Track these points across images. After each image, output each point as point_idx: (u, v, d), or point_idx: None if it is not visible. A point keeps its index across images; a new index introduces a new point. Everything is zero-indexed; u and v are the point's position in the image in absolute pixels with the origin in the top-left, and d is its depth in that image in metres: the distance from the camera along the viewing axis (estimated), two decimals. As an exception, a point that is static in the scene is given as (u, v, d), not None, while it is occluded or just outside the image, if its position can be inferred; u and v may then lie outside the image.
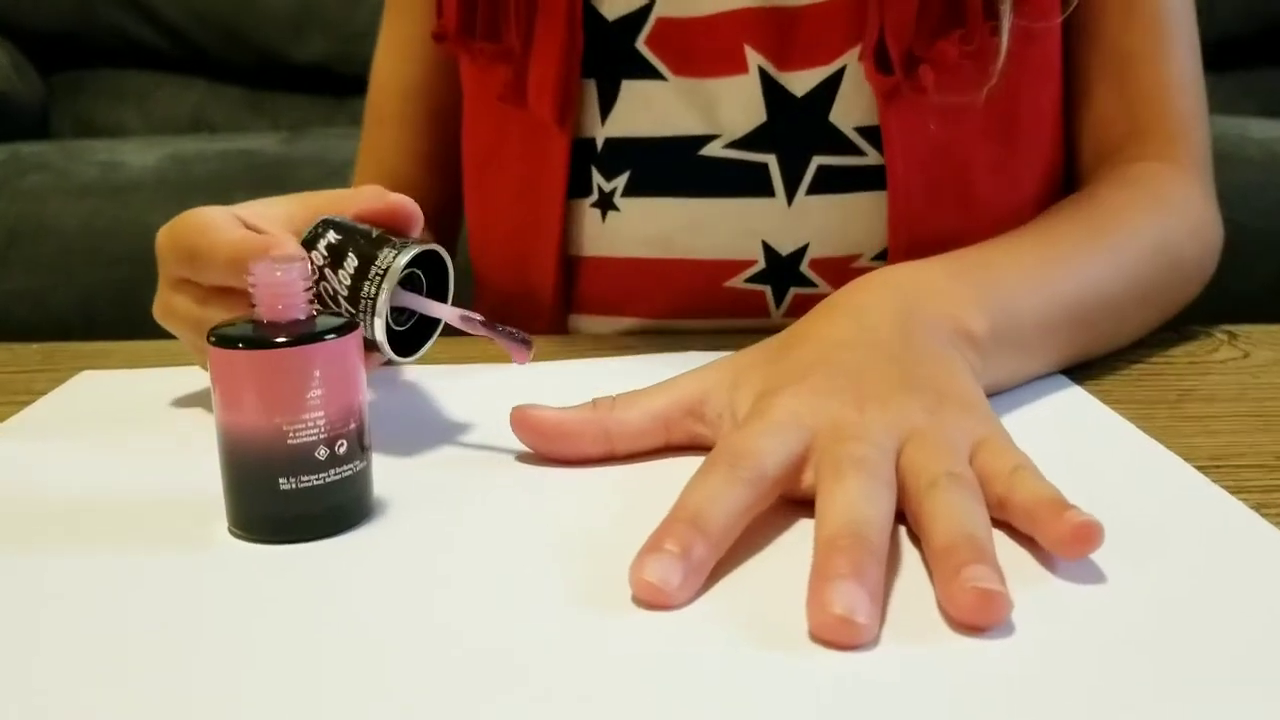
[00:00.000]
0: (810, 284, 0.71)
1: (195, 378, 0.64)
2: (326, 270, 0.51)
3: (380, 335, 0.50)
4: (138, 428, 0.57)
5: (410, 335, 0.54)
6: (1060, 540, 0.40)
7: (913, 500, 0.42)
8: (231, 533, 0.45)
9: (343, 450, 0.44)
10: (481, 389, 0.60)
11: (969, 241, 0.64)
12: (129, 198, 1.43)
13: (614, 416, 0.51)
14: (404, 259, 0.50)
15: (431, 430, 0.55)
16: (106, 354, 0.72)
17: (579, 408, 0.52)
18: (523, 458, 0.52)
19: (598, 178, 0.71)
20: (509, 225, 0.76)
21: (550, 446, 0.51)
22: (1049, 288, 0.59)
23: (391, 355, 0.52)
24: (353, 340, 0.44)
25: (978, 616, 0.36)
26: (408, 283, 0.52)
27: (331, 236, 0.52)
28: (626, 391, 0.52)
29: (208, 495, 0.46)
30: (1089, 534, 0.40)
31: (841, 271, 0.70)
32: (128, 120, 1.89)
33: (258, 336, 0.43)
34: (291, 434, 0.43)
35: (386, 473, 0.48)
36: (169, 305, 0.56)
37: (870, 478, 0.42)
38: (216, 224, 0.53)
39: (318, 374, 0.43)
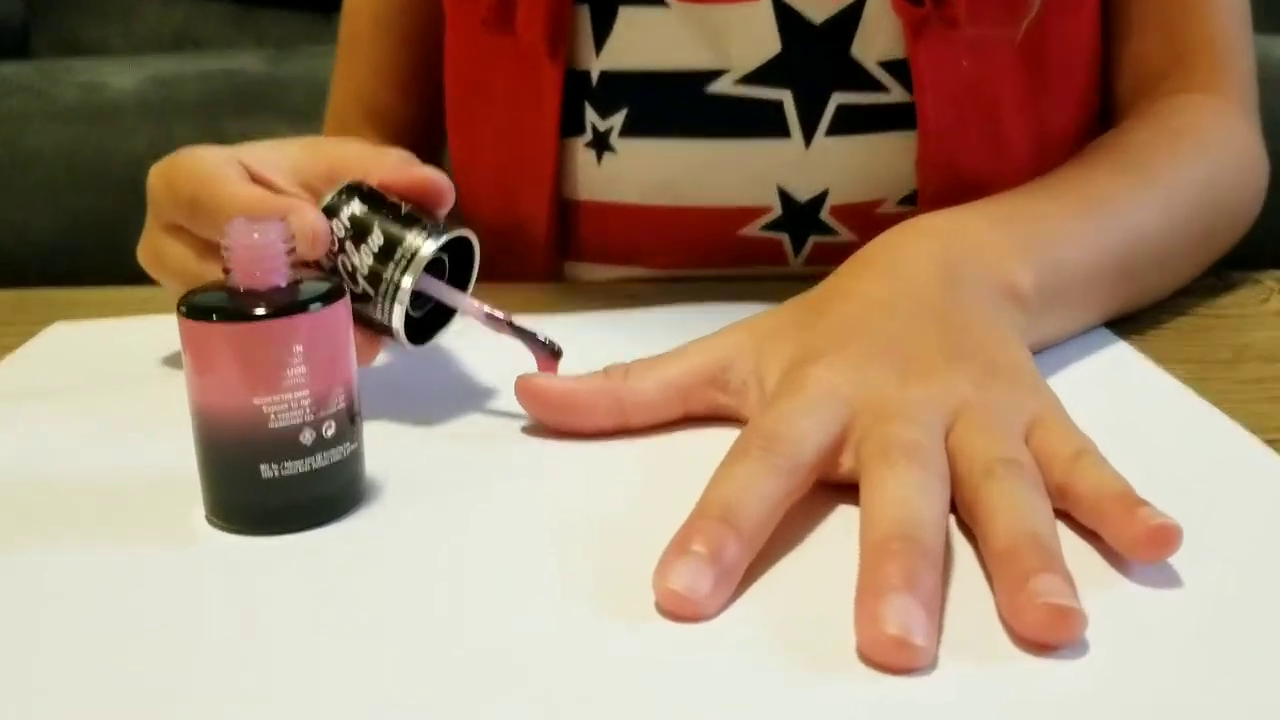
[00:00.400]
0: (831, 231, 0.66)
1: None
2: (347, 244, 0.47)
3: (398, 323, 0.47)
4: (111, 391, 0.53)
5: (423, 322, 0.50)
6: (1133, 542, 0.36)
7: (966, 489, 0.38)
8: (209, 522, 0.41)
9: (330, 433, 0.40)
10: (479, 352, 0.56)
11: (999, 184, 0.60)
12: (111, 122, 1.38)
13: (628, 386, 0.47)
14: (435, 245, 0.46)
15: (426, 400, 0.51)
16: (82, 303, 0.67)
17: (590, 376, 0.47)
18: (529, 430, 0.48)
19: (591, 115, 0.66)
20: (496, 162, 0.70)
21: (559, 418, 0.47)
22: (1094, 238, 0.55)
23: (406, 344, 0.48)
24: (340, 309, 0.40)
25: (1048, 635, 0.32)
26: (430, 267, 0.47)
27: (356, 207, 0.47)
28: (641, 358, 0.48)
29: (185, 475, 0.42)
30: (1166, 537, 0.36)
31: (865, 218, 0.66)
32: (111, 38, 1.83)
33: (233, 306, 0.39)
34: (273, 416, 0.38)
35: (378, 450, 0.44)
36: (159, 252, 0.52)
37: (921, 468, 0.37)
38: (222, 174, 0.48)
39: (301, 349, 0.38)
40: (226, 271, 0.39)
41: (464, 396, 0.51)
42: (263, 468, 0.39)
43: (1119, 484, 0.38)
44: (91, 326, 0.63)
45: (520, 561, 0.38)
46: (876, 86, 0.63)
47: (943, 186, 0.64)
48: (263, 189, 0.48)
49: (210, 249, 0.50)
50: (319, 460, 0.39)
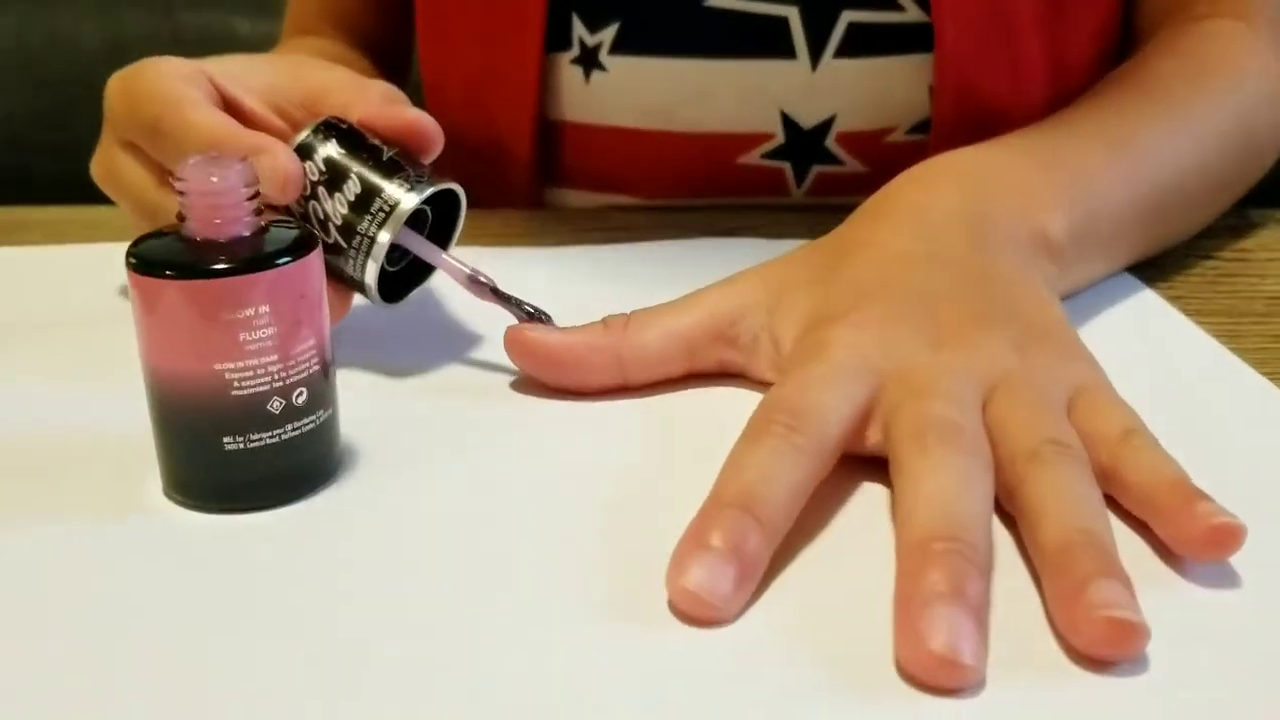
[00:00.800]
0: (837, 161, 0.62)
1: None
2: (320, 189, 0.42)
3: (371, 280, 0.42)
4: (55, 335, 0.48)
5: (399, 277, 0.45)
6: (1190, 541, 0.33)
7: (1009, 473, 0.35)
8: (167, 495, 0.37)
9: (302, 400, 0.35)
10: (462, 298, 0.51)
11: (1016, 113, 0.56)
12: (56, 9, 1.30)
13: (629, 340, 0.43)
14: (417, 199, 0.42)
15: (405, 353, 0.47)
16: (26, 224, 0.62)
17: (587, 328, 0.43)
18: (519, 385, 0.44)
19: (579, 28, 0.61)
20: (471, 76, 0.65)
21: (554, 375, 0.43)
22: (1125, 179, 0.51)
23: (378, 301, 0.43)
24: (313, 261, 0.35)
25: (1108, 651, 0.29)
26: (411, 219, 0.43)
27: (333, 149, 0.43)
28: (641, 309, 0.44)
29: (140, 439, 0.37)
30: (1227, 537, 0.32)
31: (873, 147, 0.61)
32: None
33: (190, 260, 0.34)
34: (237, 383, 0.34)
35: (352, 411, 0.40)
36: (114, 170, 0.47)
37: (963, 453, 0.34)
38: (187, 98, 0.44)
39: (267, 309, 0.34)
40: (181, 219, 0.35)
41: (446, 348, 0.47)
42: (226, 440, 0.35)
43: (1172, 471, 0.34)
44: (33, 255, 0.58)
45: (512, 547, 0.34)
46: (891, 4, 0.59)
47: (958, 115, 0.59)
48: (228, 120, 0.44)
49: (171, 176, 0.45)
50: (289, 431, 0.35)
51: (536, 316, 0.44)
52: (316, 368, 0.36)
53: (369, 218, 0.42)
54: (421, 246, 0.44)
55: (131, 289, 0.35)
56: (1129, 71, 0.59)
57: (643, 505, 0.36)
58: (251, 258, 0.34)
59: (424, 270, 0.46)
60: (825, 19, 0.59)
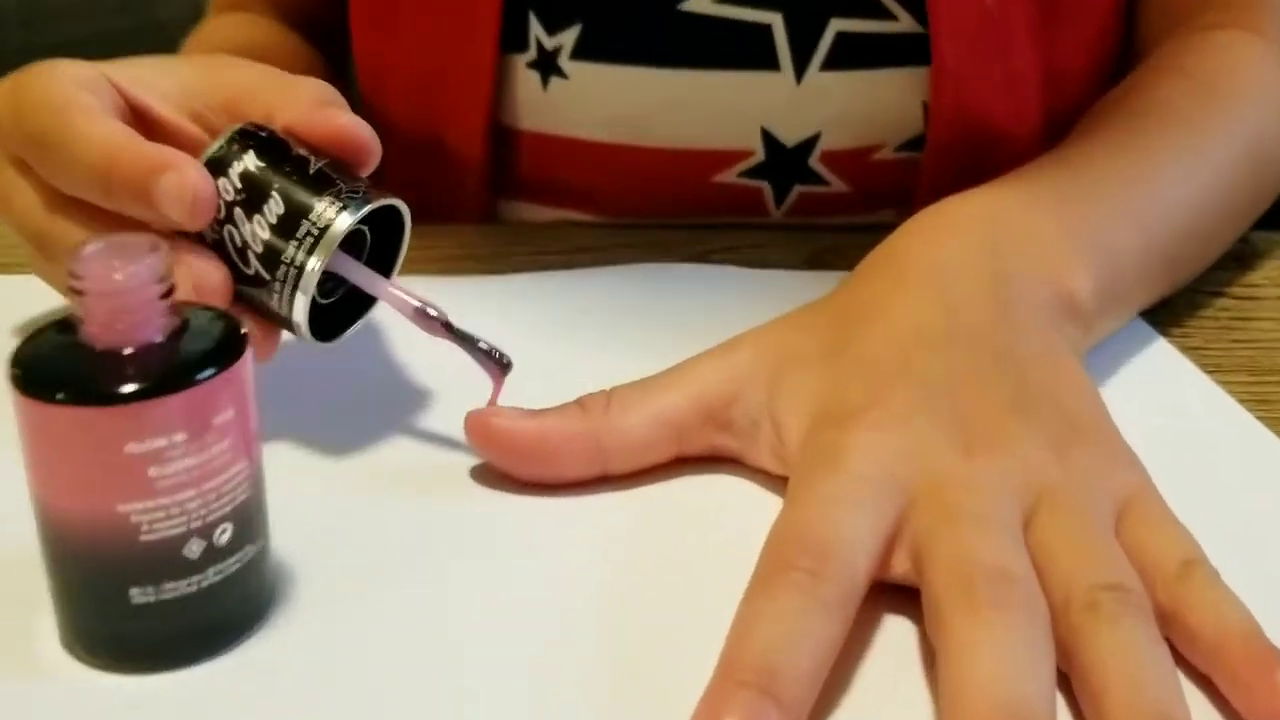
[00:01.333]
0: (820, 180, 0.56)
1: (27, 293, 0.46)
2: (237, 210, 0.36)
3: (300, 315, 0.36)
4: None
5: (334, 310, 0.39)
6: (1267, 714, 0.28)
7: (1060, 621, 0.30)
8: (66, 649, 0.30)
9: (225, 538, 0.30)
10: (409, 329, 0.45)
11: (1011, 131, 0.51)
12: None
13: (610, 425, 0.37)
14: (351, 219, 0.36)
15: (345, 417, 0.40)
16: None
17: (562, 411, 0.38)
18: (483, 476, 0.38)
19: (536, 27, 0.55)
20: (416, 74, 0.58)
21: (525, 468, 0.37)
22: (1143, 222, 0.46)
23: (310, 340, 0.37)
24: (242, 369, 0.29)
25: None
26: (346, 242, 0.37)
27: (251, 161, 0.36)
28: (624, 386, 0.38)
29: (32, 572, 0.31)
30: None
31: (859, 166, 0.56)
32: None
33: (87, 378, 0.28)
34: (145, 526, 0.28)
35: (282, 508, 0.33)
36: (3, 191, 0.40)
37: (1021, 618, 0.29)
38: (78, 104, 0.37)
39: (184, 437, 0.28)
40: (79, 320, 0.28)
41: (394, 405, 0.41)
42: (133, 591, 0.29)
43: (1239, 619, 0.30)
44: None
45: (482, 695, 0.29)
46: (883, 13, 0.53)
47: (954, 132, 0.54)
48: (126, 131, 0.37)
49: (63, 204, 0.39)
50: (210, 575, 0.29)
51: (495, 358, 0.38)
52: (244, 495, 0.30)
53: (295, 242, 0.36)
54: (359, 274, 0.38)
55: (15, 408, 0.28)
56: (1135, 93, 0.54)
57: (636, 631, 0.31)
58: (165, 373, 0.28)
59: (364, 302, 0.40)
60: (812, 28, 0.53)
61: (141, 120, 0.40)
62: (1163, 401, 0.44)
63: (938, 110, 0.54)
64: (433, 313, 0.38)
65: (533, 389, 0.38)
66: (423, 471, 0.38)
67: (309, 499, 0.36)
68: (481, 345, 0.38)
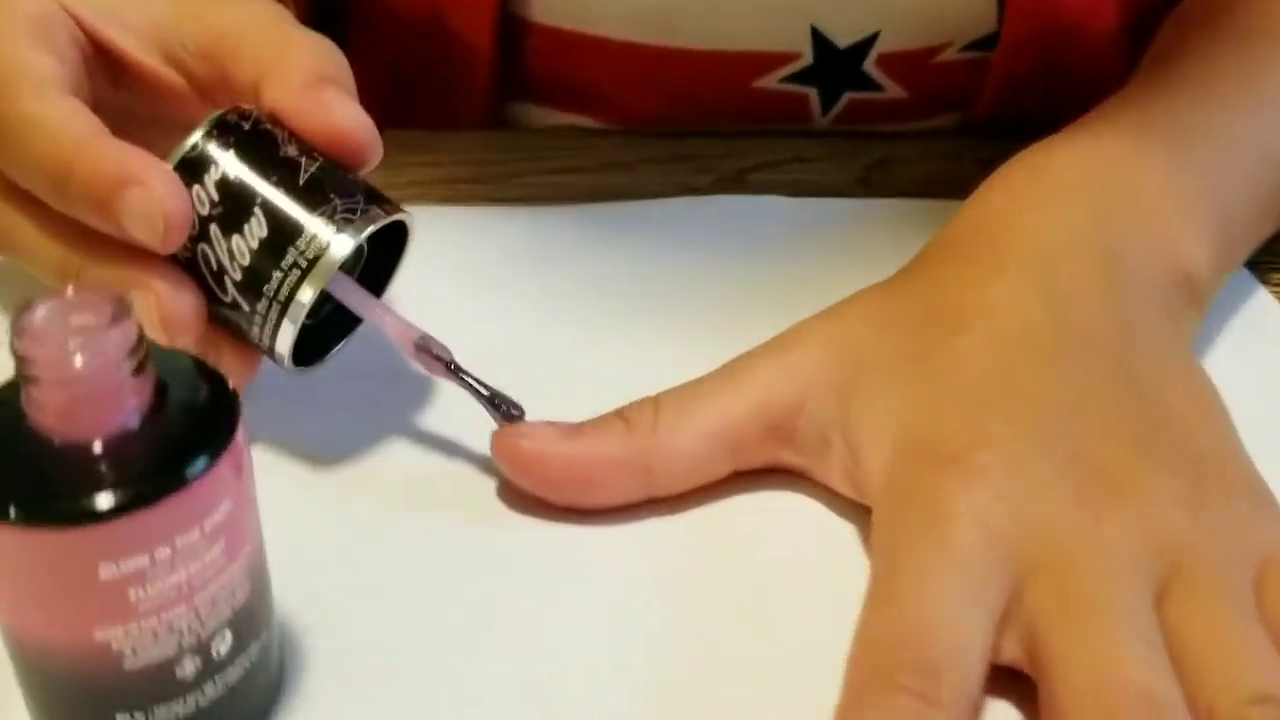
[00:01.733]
0: (875, 86, 0.50)
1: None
2: (214, 227, 0.31)
3: (285, 347, 0.31)
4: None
5: (317, 330, 0.33)
6: None
7: None
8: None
9: (225, 649, 0.25)
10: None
11: (1089, 31, 0.47)
12: None
13: (658, 443, 0.32)
14: (352, 241, 0.30)
15: (346, 450, 0.35)
16: None
17: (603, 431, 0.32)
18: (511, 501, 0.33)
19: None
20: None
21: (561, 495, 0.32)
22: (1251, 173, 0.41)
23: (290, 369, 0.32)
24: (235, 449, 0.24)
25: None
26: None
27: (231, 165, 0.31)
28: (673, 393, 0.33)
29: (5, 676, 0.26)
30: None
31: (919, 68, 0.50)
32: None
33: (41, 486, 0.22)
34: (130, 652, 0.23)
35: (283, 568, 0.28)
36: None
37: None
38: (29, 78, 0.32)
39: (169, 551, 0.23)
40: (30, 404, 0.23)
41: (403, 423, 0.36)
42: (119, 717, 0.24)
43: None
44: None
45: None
46: None
47: (1031, 25, 0.48)
48: (85, 119, 0.31)
49: (12, 194, 0.33)
50: (209, 692, 0.25)
51: (504, 410, 0.32)
52: (246, 593, 0.25)
53: (280, 273, 0.30)
54: (356, 298, 0.32)
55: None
56: (1224, 8, 0.47)
57: (695, 686, 0.27)
58: (144, 474, 0.23)
59: (349, 319, 0.34)
60: None
61: (107, 62, 0.34)
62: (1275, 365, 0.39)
63: (1015, 4, 0.47)
64: (436, 351, 0.32)
65: (551, 372, 0.34)
66: (442, 496, 0.33)
67: (309, 556, 0.31)
68: (487, 393, 0.32)
